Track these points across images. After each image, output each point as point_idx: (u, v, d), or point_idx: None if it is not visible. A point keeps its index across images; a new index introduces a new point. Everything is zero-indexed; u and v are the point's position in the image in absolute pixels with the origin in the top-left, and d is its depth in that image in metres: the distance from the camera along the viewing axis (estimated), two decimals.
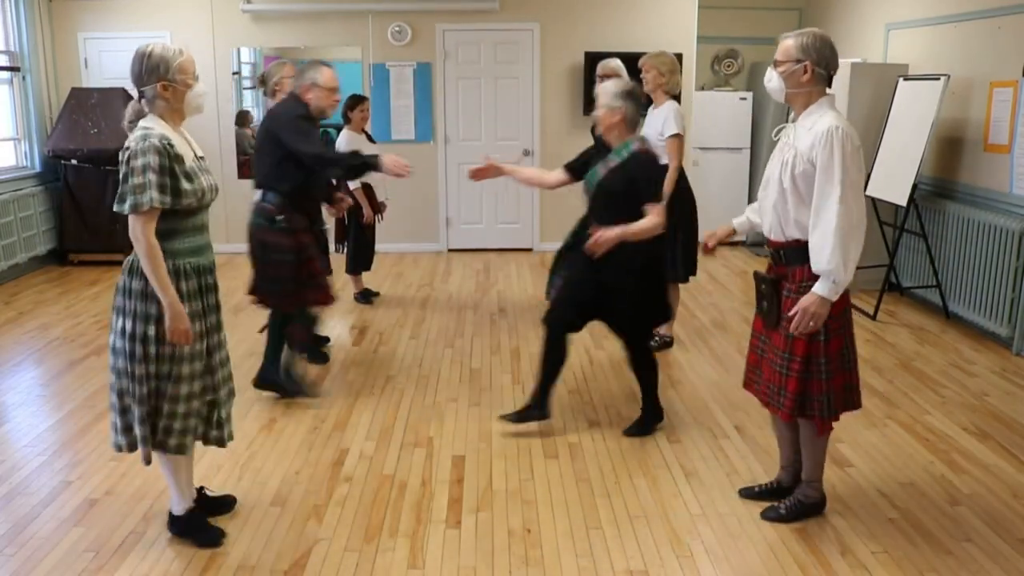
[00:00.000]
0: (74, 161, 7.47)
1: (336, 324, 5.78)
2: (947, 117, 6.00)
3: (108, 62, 7.95)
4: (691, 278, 5.16)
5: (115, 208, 2.72)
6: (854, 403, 3.03)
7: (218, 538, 3.05)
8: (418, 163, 8.24)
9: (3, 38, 7.37)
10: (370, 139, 6.17)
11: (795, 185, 2.80)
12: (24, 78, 7.55)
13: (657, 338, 5.23)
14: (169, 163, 2.70)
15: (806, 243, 2.81)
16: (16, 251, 7.05)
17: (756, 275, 3.09)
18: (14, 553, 2.98)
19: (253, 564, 2.92)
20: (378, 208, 6.11)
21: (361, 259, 6.26)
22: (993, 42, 5.56)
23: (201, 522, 3.08)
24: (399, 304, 6.37)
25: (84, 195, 7.54)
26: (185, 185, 2.74)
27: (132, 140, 2.72)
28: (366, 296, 6.43)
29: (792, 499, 3.17)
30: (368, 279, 6.67)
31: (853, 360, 3.00)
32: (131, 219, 2.71)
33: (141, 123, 2.76)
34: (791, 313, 2.84)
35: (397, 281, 7.14)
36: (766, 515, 3.17)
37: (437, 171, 8.30)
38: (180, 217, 2.79)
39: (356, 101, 5.87)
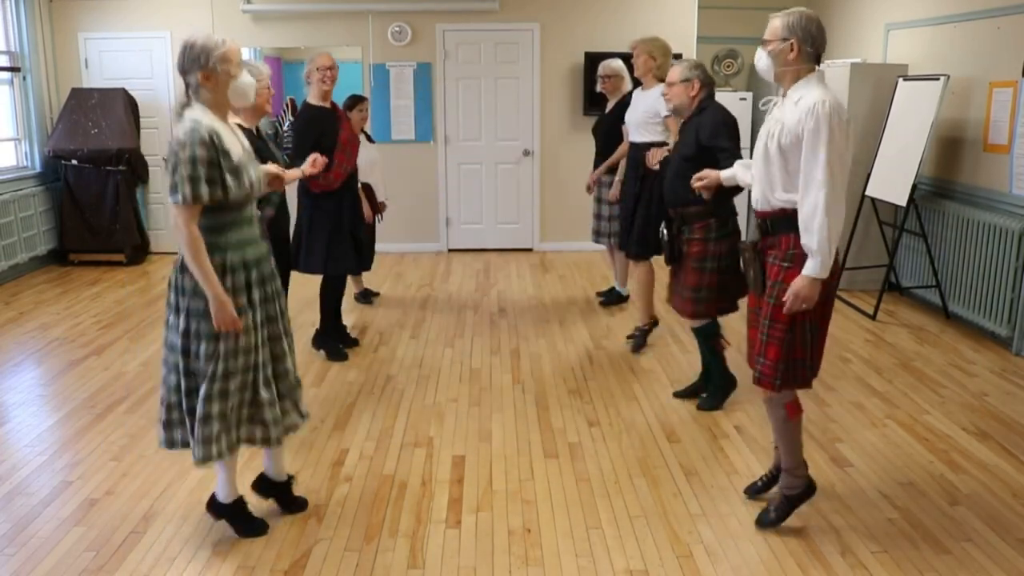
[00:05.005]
0: (74, 161, 7.47)
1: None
2: (947, 117, 6.00)
3: (108, 62, 7.95)
4: (646, 259, 5.08)
5: (171, 199, 2.70)
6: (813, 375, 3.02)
7: (262, 529, 3.10)
8: (418, 163, 8.28)
9: (3, 38, 7.38)
10: (369, 139, 6.17)
11: (781, 155, 2.81)
12: (24, 78, 7.55)
13: (637, 331, 5.22)
14: (217, 157, 2.68)
15: (792, 212, 2.82)
16: (16, 251, 7.06)
17: (739, 244, 3.12)
18: (14, 553, 2.98)
19: (253, 564, 2.93)
20: (378, 208, 6.11)
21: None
22: (993, 42, 5.56)
23: (246, 513, 3.12)
24: (399, 304, 6.37)
25: (84, 195, 7.55)
26: (231, 180, 2.73)
27: (181, 131, 2.69)
28: (366, 296, 6.43)
29: (777, 497, 3.13)
30: (368, 279, 6.67)
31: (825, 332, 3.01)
32: (175, 210, 2.69)
33: (189, 114, 2.74)
34: (784, 298, 2.83)
35: (397, 281, 7.14)
36: (760, 522, 3.13)
37: (437, 171, 8.30)
38: (227, 211, 2.79)
39: (355, 101, 5.87)
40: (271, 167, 3.30)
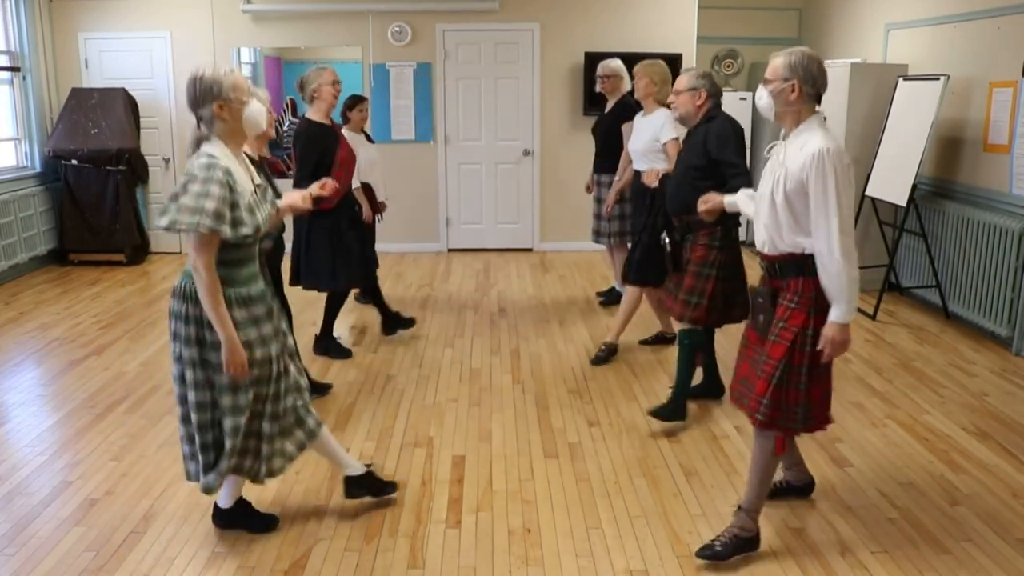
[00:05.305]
0: (74, 161, 7.47)
1: (336, 324, 5.77)
2: (947, 117, 6.00)
3: (108, 62, 7.95)
4: (639, 286, 4.94)
5: (157, 224, 2.70)
6: (827, 417, 2.97)
7: (274, 523, 3.13)
8: (418, 163, 8.28)
9: (3, 38, 7.38)
10: (369, 139, 6.17)
11: (787, 202, 2.81)
12: (24, 78, 7.55)
13: (602, 348, 5.10)
14: (231, 196, 2.68)
15: (800, 256, 2.82)
16: (16, 251, 7.06)
17: (753, 290, 3.09)
18: (14, 553, 2.98)
19: (253, 564, 2.93)
20: (378, 208, 6.10)
21: None
22: (993, 42, 5.56)
23: (249, 511, 3.14)
24: (399, 304, 6.37)
25: (84, 195, 7.55)
26: (245, 218, 2.72)
27: (197, 167, 2.67)
28: (366, 296, 6.42)
29: (729, 532, 3.02)
30: None
31: (830, 370, 2.95)
32: (192, 251, 2.68)
33: (205, 149, 2.72)
34: (819, 347, 2.78)
35: (397, 281, 7.14)
36: (702, 553, 2.98)
37: (437, 171, 8.30)
38: (238, 248, 2.79)
39: (355, 101, 5.87)
40: (296, 197, 3.26)
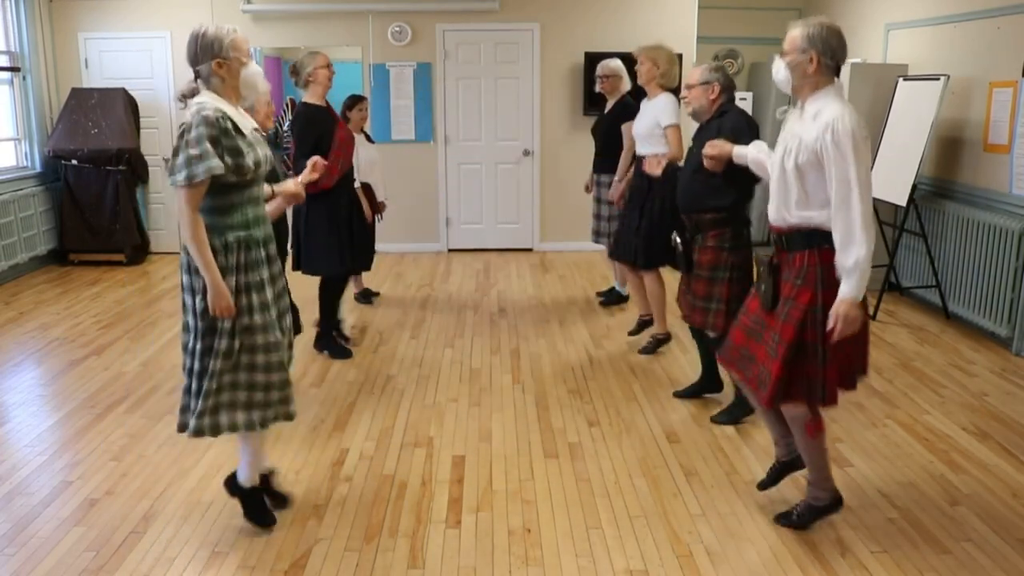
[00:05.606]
0: (74, 161, 7.47)
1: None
2: (947, 117, 6.00)
3: (108, 62, 7.95)
4: (654, 269, 5.01)
5: (170, 182, 2.72)
6: (862, 370, 2.96)
7: (271, 521, 3.12)
8: (418, 163, 8.28)
9: (3, 38, 7.38)
10: (368, 139, 6.17)
11: (797, 172, 2.75)
12: (24, 78, 7.55)
13: (651, 339, 5.20)
14: (224, 135, 2.71)
15: (807, 230, 2.78)
16: (16, 251, 7.06)
17: (757, 258, 3.08)
18: (14, 553, 2.98)
19: (253, 564, 2.93)
20: (378, 208, 6.11)
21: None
22: (993, 42, 5.56)
23: (260, 501, 3.14)
24: (399, 304, 6.37)
25: (84, 195, 7.55)
26: (246, 152, 2.76)
27: (190, 114, 2.72)
28: (366, 296, 6.43)
29: (803, 503, 3.12)
30: (368, 279, 6.67)
31: (863, 338, 2.90)
32: (179, 191, 2.71)
33: (195, 99, 2.77)
34: (829, 327, 2.74)
35: (397, 281, 7.14)
36: (780, 520, 3.13)
37: (437, 171, 8.30)
38: (241, 189, 2.82)
39: (354, 101, 5.88)
40: (289, 184, 3.31)
